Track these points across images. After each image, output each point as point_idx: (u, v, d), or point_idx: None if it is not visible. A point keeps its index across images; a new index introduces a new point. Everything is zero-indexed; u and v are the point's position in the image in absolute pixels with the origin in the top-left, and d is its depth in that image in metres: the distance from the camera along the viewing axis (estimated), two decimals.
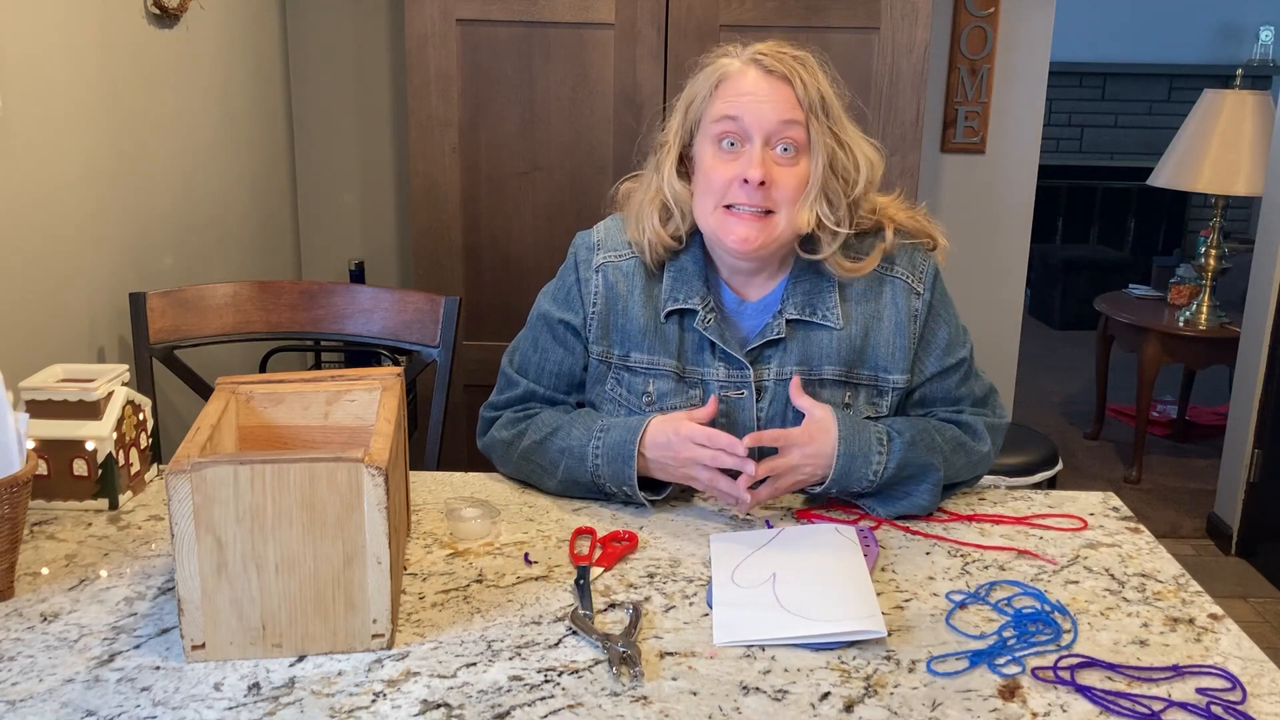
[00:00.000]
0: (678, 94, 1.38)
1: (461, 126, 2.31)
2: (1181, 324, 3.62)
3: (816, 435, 1.28)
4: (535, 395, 1.45)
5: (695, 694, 0.96)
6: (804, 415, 1.32)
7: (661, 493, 1.34)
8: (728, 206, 1.29)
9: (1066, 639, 1.07)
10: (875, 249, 1.36)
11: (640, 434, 1.30)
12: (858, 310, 1.36)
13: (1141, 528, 1.33)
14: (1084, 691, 0.98)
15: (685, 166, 1.37)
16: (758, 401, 1.36)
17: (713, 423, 1.31)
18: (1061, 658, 1.03)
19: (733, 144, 1.29)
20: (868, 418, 1.35)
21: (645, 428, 1.31)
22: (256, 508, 0.98)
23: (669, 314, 1.37)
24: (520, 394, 1.45)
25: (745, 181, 1.27)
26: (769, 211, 1.29)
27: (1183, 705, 0.96)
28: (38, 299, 1.63)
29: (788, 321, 1.35)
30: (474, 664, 1.01)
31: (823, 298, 1.35)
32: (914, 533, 1.30)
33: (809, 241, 1.34)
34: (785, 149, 1.28)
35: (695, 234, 1.38)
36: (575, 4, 2.24)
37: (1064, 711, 0.95)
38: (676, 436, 1.28)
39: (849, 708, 0.95)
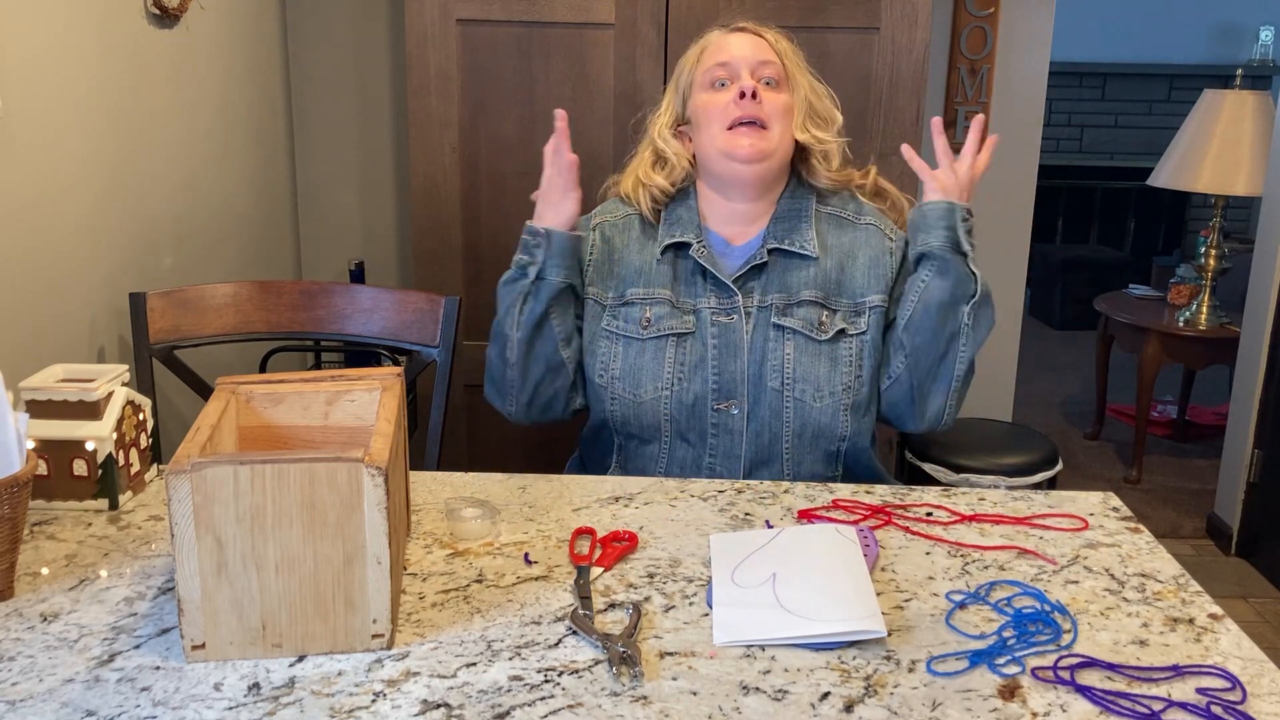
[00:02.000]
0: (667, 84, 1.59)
1: (461, 126, 2.31)
2: (1181, 324, 3.61)
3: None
4: None
5: (695, 694, 0.97)
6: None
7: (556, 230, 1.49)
8: (730, 128, 1.48)
9: (1066, 639, 1.07)
10: (854, 178, 1.60)
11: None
12: (833, 245, 1.54)
13: (1141, 528, 1.33)
14: (1084, 691, 0.98)
15: (682, 134, 1.57)
16: (746, 324, 1.50)
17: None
18: (1061, 658, 1.03)
19: (724, 83, 1.51)
20: (841, 331, 1.50)
21: None
22: (256, 508, 0.98)
23: (665, 248, 1.54)
24: None
25: (741, 96, 1.47)
26: (764, 126, 1.48)
27: (1183, 705, 0.96)
28: (38, 299, 1.63)
29: (769, 251, 1.52)
30: (474, 664, 1.01)
31: (801, 232, 1.53)
32: (914, 533, 1.30)
33: (808, 171, 1.56)
34: (768, 82, 1.51)
35: (685, 188, 1.57)
36: (575, 4, 2.24)
37: (1064, 711, 0.95)
38: None
39: (849, 708, 0.95)
